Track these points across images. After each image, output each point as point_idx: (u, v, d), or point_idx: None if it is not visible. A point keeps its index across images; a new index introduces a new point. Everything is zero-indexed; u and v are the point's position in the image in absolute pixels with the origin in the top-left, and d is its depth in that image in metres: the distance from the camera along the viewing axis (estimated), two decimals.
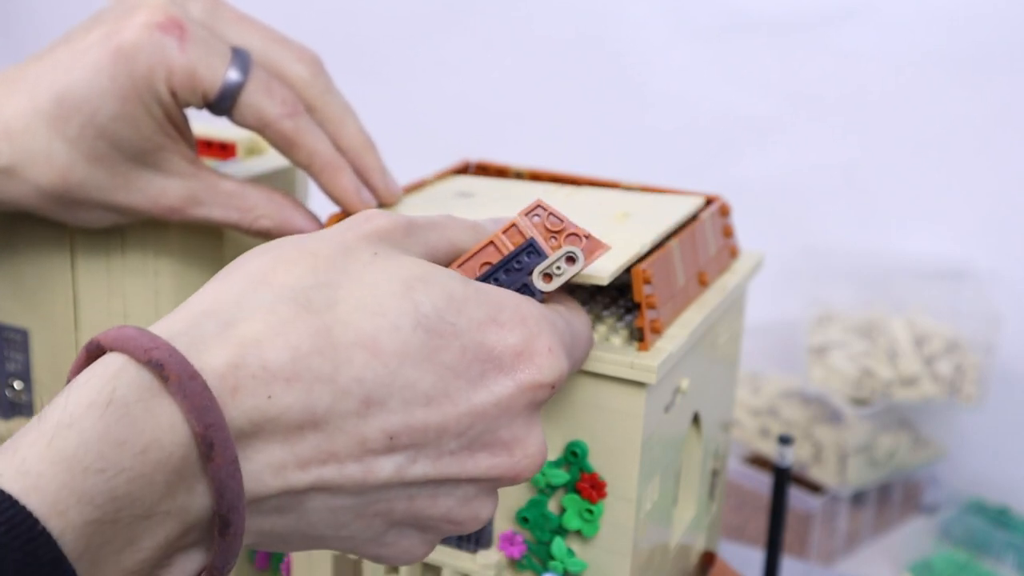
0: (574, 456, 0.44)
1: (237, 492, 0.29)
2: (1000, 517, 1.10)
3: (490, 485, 0.35)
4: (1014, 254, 1.22)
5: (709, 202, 0.55)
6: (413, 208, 0.52)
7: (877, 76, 1.24)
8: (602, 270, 0.42)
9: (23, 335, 0.55)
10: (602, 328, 0.45)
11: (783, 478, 0.58)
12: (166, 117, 0.46)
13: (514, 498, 0.45)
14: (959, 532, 1.08)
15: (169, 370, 0.28)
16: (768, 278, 0.65)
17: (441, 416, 0.32)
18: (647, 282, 0.43)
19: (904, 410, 1.14)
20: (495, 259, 0.37)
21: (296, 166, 0.50)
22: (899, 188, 1.26)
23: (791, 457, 0.58)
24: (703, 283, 0.50)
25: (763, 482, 1.10)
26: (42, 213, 0.48)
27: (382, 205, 0.52)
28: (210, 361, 0.29)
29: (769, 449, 1.15)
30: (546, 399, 0.35)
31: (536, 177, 0.58)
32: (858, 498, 1.13)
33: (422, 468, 0.32)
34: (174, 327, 0.30)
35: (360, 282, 0.32)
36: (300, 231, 0.49)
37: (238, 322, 0.30)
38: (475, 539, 0.47)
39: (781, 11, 1.26)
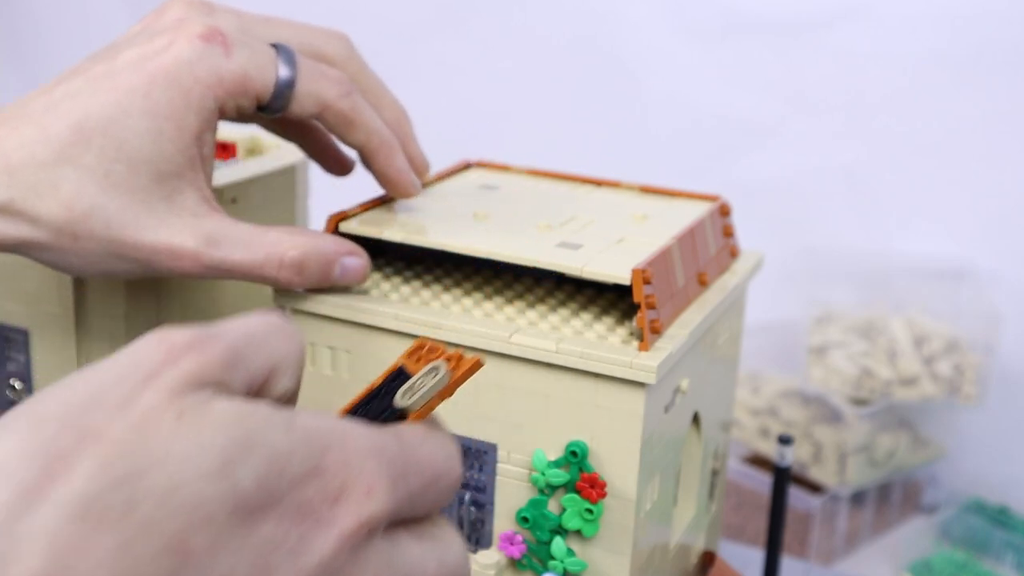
0: (574, 456, 0.44)
1: None
2: (999, 517, 1.10)
3: None
4: (1014, 254, 1.22)
5: (709, 202, 0.55)
6: (441, 200, 0.53)
7: (877, 77, 1.24)
8: (621, 269, 0.44)
9: (23, 335, 0.55)
10: (602, 328, 0.45)
11: (783, 478, 0.58)
12: (196, 137, 0.44)
13: (514, 498, 0.46)
14: (958, 532, 1.08)
15: None
16: (768, 278, 0.65)
17: None
18: (647, 282, 0.43)
19: (904, 410, 1.14)
20: (365, 393, 0.35)
21: (349, 146, 0.50)
22: (899, 189, 1.26)
23: (791, 457, 0.58)
24: (703, 283, 0.50)
25: (763, 482, 1.10)
26: (43, 258, 0.45)
27: (405, 196, 0.52)
28: None
29: (769, 449, 1.15)
30: (377, 532, 0.30)
31: (547, 175, 0.59)
32: (858, 498, 1.13)
33: None
34: None
35: (165, 464, 0.26)
36: (330, 256, 0.47)
37: (9, 562, 0.24)
38: (475, 539, 0.47)
39: (781, 12, 1.26)
